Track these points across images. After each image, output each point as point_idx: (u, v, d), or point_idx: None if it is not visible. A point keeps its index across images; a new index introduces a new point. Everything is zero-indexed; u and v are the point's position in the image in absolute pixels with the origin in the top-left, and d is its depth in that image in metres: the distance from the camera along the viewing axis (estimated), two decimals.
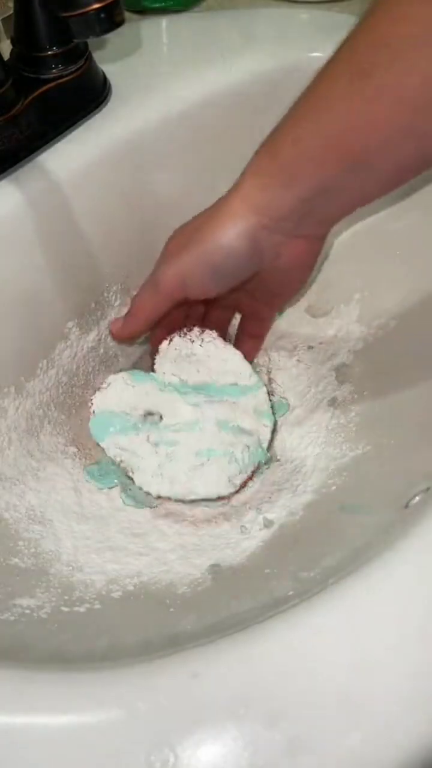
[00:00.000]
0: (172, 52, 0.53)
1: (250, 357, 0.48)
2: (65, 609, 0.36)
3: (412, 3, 0.30)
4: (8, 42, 0.44)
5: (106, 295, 0.50)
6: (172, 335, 0.47)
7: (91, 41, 0.46)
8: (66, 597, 0.37)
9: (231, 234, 0.37)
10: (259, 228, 0.37)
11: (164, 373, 0.46)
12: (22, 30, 0.42)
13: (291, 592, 0.32)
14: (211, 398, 0.45)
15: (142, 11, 0.56)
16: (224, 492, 0.43)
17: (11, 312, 0.44)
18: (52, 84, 0.43)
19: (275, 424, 0.47)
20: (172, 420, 0.44)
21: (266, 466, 0.46)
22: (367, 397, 0.47)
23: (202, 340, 0.47)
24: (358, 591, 0.27)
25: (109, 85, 0.48)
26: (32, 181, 0.43)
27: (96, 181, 0.46)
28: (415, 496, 0.33)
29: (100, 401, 0.45)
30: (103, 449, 0.44)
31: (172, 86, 0.48)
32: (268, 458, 0.45)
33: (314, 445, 0.46)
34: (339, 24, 0.53)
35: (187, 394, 0.45)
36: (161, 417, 0.45)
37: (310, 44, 0.50)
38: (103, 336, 0.51)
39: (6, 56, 0.44)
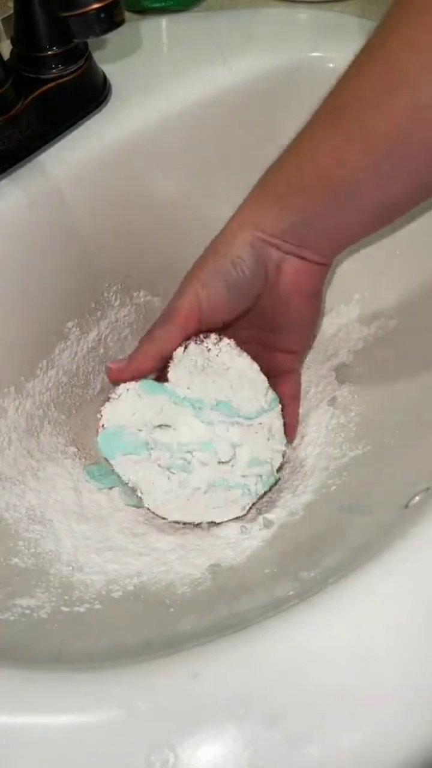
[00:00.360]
0: (172, 52, 0.53)
1: (290, 435, 0.46)
2: (65, 609, 0.36)
3: (376, 62, 0.34)
4: (8, 42, 0.44)
5: (106, 295, 0.50)
6: (188, 342, 0.43)
7: (91, 41, 0.46)
8: (66, 597, 0.37)
9: (238, 243, 0.40)
10: (259, 240, 0.40)
11: (178, 384, 0.43)
12: (22, 30, 0.42)
13: (291, 592, 0.32)
14: (226, 418, 0.43)
15: (142, 11, 0.56)
16: (233, 516, 0.43)
17: (11, 312, 0.44)
18: (52, 84, 0.43)
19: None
20: (185, 438, 0.42)
21: (276, 485, 0.45)
22: (367, 397, 0.47)
23: (219, 349, 0.44)
24: (358, 591, 0.27)
25: (109, 85, 0.48)
26: (32, 181, 0.43)
27: (96, 181, 0.46)
28: (415, 496, 0.33)
29: (110, 414, 0.42)
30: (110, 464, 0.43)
31: (172, 86, 0.48)
32: (278, 479, 0.44)
33: (314, 445, 0.46)
34: (339, 24, 0.53)
35: (201, 410, 0.43)
36: (173, 430, 0.43)
37: (310, 44, 0.51)
38: (103, 336, 0.51)
39: (6, 56, 0.44)
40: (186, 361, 0.43)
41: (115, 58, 0.49)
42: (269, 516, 0.43)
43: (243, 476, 0.42)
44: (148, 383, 0.43)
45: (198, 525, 0.43)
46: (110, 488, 0.46)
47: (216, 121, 0.50)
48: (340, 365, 0.50)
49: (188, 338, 0.43)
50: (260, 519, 0.43)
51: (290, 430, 0.46)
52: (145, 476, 0.42)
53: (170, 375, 0.43)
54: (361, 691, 0.25)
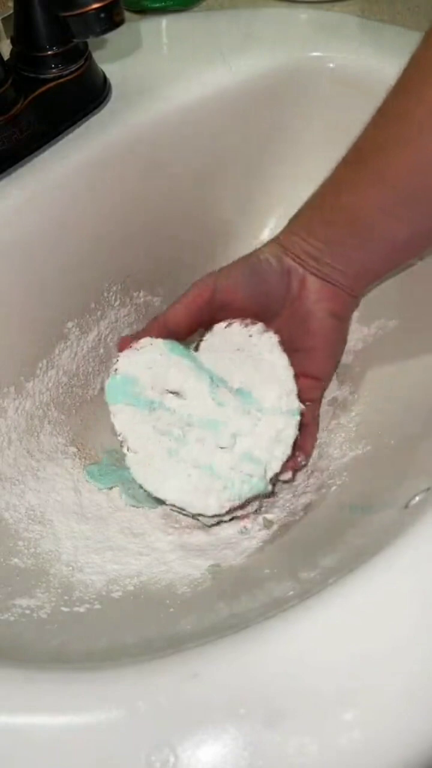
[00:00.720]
0: (172, 51, 0.53)
1: (302, 452, 0.44)
2: (65, 609, 0.36)
3: (393, 116, 0.37)
4: (8, 42, 0.44)
5: (106, 295, 0.50)
6: (233, 320, 0.43)
7: (91, 41, 0.46)
8: (66, 597, 0.37)
9: (265, 251, 0.43)
10: (285, 254, 0.43)
11: (206, 355, 0.42)
12: (22, 30, 0.42)
13: (291, 592, 0.32)
14: (240, 405, 0.41)
15: (142, 11, 0.56)
16: (207, 511, 0.39)
17: (11, 312, 0.44)
18: (52, 84, 0.43)
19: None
20: (192, 410, 0.40)
21: (264, 498, 0.43)
22: (367, 397, 0.47)
23: (262, 339, 0.42)
24: (358, 591, 0.27)
25: (109, 84, 0.48)
26: (32, 181, 0.43)
27: (96, 181, 0.46)
28: (415, 496, 0.33)
29: (126, 362, 0.41)
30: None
31: (172, 86, 0.48)
32: (268, 491, 0.41)
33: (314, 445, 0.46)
34: (338, 24, 0.53)
35: (218, 388, 0.41)
36: (183, 398, 0.41)
37: (310, 44, 0.51)
38: (103, 336, 0.50)
39: (6, 56, 0.44)
40: (223, 337, 0.42)
41: (115, 58, 0.49)
42: (269, 516, 0.43)
43: (231, 468, 0.40)
44: (174, 344, 0.42)
45: (166, 505, 0.40)
46: (110, 488, 0.46)
47: (216, 120, 0.50)
48: (340, 365, 0.50)
49: (197, 316, 0.42)
50: (260, 519, 0.43)
51: (302, 452, 0.44)
52: (137, 433, 0.40)
53: (202, 344, 0.42)
54: (361, 691, 0.25)
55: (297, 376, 0.43)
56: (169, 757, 0.24)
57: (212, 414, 0.40)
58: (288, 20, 0.54)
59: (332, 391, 0.49)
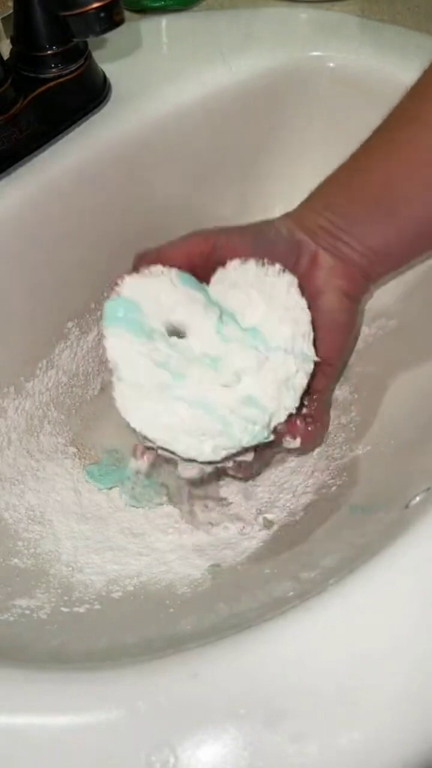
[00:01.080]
0: (171, 51, 0.53)
1: (306, 442, 0.40)
2: (65, 609, 0.36)
3: None
4: (8, 41, 0.44)
5: (105, 294, 0.50)
6: (249, 258, 0.39)
7: (91, 40, 0.46)
8: (66, 597, 0.37)
9: (275, 221, 0.40)
10: (297, 227, 0.40)
11: (218, 289, 0.38)
12: (22, 29, 0.42)
13: (291, 593, 0.32)
14: (248, 341, 0.37)
15: (142, 10, 0.56)
16: (200, 456, 0.35)
17: (11, 312, 0.44)
18: (52, 83, 0.43)
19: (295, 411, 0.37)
20: (195, 345, 0.37)
21: (264, 447, 0.38)
22: (367, 397, 0.47)
23: (279, 280, 0.38)
24: (358, 591, 0.27)
25: (109, 84, 0.48)
26: (32, 181, 0.43)
27: (96, 181, 0.46)
28: (415, 496, 0.33)
29: (132, 285, 0.37)
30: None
31: (172, 86, 0.48)
32: (270, 441, 0.37)
33: None
34: (338, 23, 0.53)
35: (226, 324, 0.37)
36: (184, 336, 0.37)
37: (310, 44, 0.51)
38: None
39: (5, 55, 0.44)
40: (238, 273, 0.38)
41: (114, 58, 0.49)
42: (269, 516, 0.43)
43: (231, 411, 0.35)
44: (187, 276, 0.38)
45: (154, 446, 0.36)
46: (110, 488, 0.46)
47: (216, 120, 0.50)
48: None
49: (189, 267, 0.38)
50: (260, 519, 0.43)
51: (314, 432, 0.41)
52: (130, 361, 0.36)
53: (214, 278, 0.39)
54: (362, 692, 0.25)
55: None
56: (169, 758, 0.24)
57: (216, 350, 0.37)
58: (288, 20, 0.54)
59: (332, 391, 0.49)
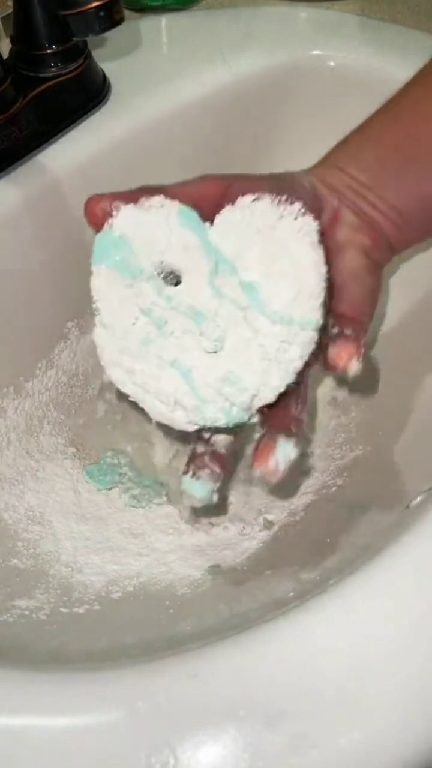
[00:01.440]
0: (171, 50, 0.53)
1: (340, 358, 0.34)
2: (64, 610, 0.36)
3: None
4: (7, 40, 0.44)
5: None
6: (262, 195, 0.33)
7: (91, 40, 0.46)
8: (65, 598, 0.37)
9: (296, 173, 0.37)
10: (320, 182, 0.37)
11: (221, 231, 0.34)
12: (22, 28, 0.42)
13: (291, 593, 0.32)
14: (240, 300, 0.33)
15: (142, 9, 0.56)
16: (173, 423, 0.33)
17: (10, 312, 0.44)
18: (52, 82, 0.43)
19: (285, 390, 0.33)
20: (182, 293, 0.33)
21: (249, 426, 0.34)
22: (367, 397, 0.47)
23: (292, 224, 0.33)
24: (358, 592, 0.27)
25: (109, 83, 0.48)
26: (31, 180, 0.43)
27: (95, 180, 0.45)
28: (416, 496, 0.33)
29: (126, 219, 0.33)
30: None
31: (172, 85, 0.48)
32: (252, 423, 0.33)
33: (314, 446, 0.46)
34: (338, 22, 0.53)
35: (222, 275, 0.33)
36: (179, 280, 0.34)
37: (310, 43, 0.51)
38: None
39: (5, 55, 0.44)
40: (246, 214, 0.34)
41: (114, 57, 0.49)
42: (269, 517, 0.43)
43: (208, 386, 0.32)
44: (189, 212, 0.34)
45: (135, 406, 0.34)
46: (110, 489, 0.45)
47: (216, 119, 0.50)
48: None
49: (196, 202, 0.34)
50: (260, 520, 0.43)
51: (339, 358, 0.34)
52: (114, 304, 0.33)
53: (218, 219, 0.34)
54: (362, 693, 0.25)
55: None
56: (168, 759, 0.24)
57: (204, 304, 0.33)
58: (288, 19, 0.54)
59: (332, 390, 0.49)
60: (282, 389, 0.32)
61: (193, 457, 0.35)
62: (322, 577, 0.31)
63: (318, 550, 0.37)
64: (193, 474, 0.35)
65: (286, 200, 0.33)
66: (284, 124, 0.52)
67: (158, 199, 0.34)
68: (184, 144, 0.49)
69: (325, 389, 0.49)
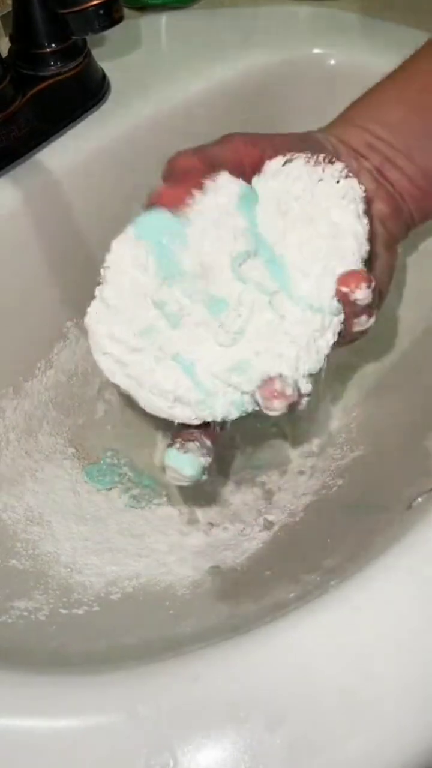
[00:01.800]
0: (171, 49, 0.53)
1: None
2: (64, 611, 0.36)
3: None
4: (6, 39, 0.44)
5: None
6: (296, 154, 0.30)
7: (90, 38, 0.46)
8: (65, 599, 0.37)
9: (315, 132, 0.35)
10: (340, 143, 0.34)
11: (263, 207, 0.31)
12: (21, 27, 0.42)
13: (292, 594, 0.32)
14: (267, 286, 0.30)
15: (142, 8, 0.56)
16: (171, 418, 0.30)
17: (9, 311, 0.44)
18: (51, 81, 0.43)
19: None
20: (206, 282, 0.30)
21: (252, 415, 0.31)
22: (367, 398, 0.47)
23: (334, 188, 0.29)
24: (359, 593, 0.27)
25: (108, 82, 0.47)
26: (31, 179, 0.43)
27: (95, 179, 0.45)
28: (417, 497, 0.33)
29: (198, 211, 0.30)
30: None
31: (172, 83, 0.48)
32: (252, 413, 0.30)
33: (315, 446, 0.46)
34: (339, 21, 0.53)
35: (252, 260, 0.30)
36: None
37: (311, 41, 0.51)
38: None
39: (4, 53, 0.43)
40: (280, 179, 0.30)
41: (114, 55, 0.49)
42: (269, 517, 0.43)
43: (213, 375, 0.29)
44: (250, 196, 0.30)
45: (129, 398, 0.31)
46: (109, 489, 0.45)
47: (216, 118, 0.49)
48: (340, 365, 0.49)
49: (240, 168, 0.31)
50: (260, 520, 0.43)
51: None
52: (125, 285, 0.30)
53: (257, 186, 0.31)
54: (363, 695, 0.25)
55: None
56: (168, 761, 0.24)
57: (225, 289, 0.29)
58: (288, 17, 0.54)
59: (332, 391, 0.49)
60: (313, 372, 0.30)
61: (180, 428, 0.31)
62: (323, 578, 0.31)
63: (319, 552, 0.37)
64: (181, 446, 0.31)
65: (324, 159, 0.30)
66: (284, 122, 0.52)
67: (225, 177, 0.30)
68: (183, 142, 0.49)
69: (326, 389, 0.49)
